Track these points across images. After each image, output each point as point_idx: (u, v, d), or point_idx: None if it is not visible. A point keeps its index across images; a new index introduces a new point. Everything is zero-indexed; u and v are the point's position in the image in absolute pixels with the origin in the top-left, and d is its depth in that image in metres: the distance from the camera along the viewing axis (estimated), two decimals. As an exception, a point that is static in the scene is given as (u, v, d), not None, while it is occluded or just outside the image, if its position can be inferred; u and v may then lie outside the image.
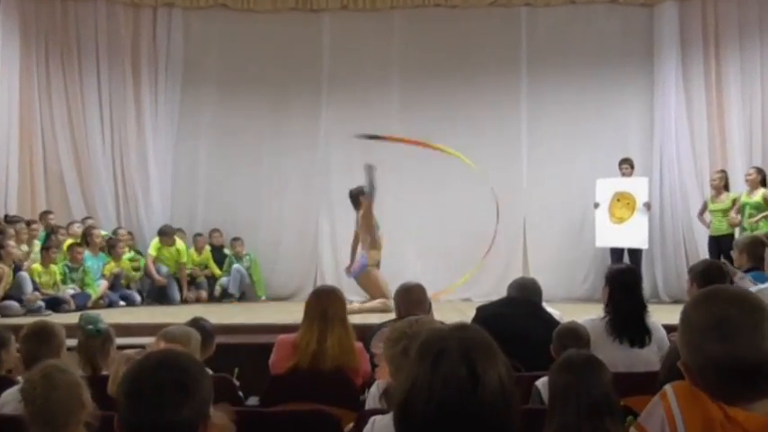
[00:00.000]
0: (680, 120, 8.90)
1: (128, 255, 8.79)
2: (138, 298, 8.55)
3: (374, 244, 7.50)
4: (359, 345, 3.42)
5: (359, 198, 7.57)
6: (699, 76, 8.91)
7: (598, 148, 9.08)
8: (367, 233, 7.49)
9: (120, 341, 3.54)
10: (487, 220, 9.05)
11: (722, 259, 6.91)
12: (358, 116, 9.34)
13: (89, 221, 8.73)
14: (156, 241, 8.82)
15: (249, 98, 9.62)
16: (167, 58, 9.59)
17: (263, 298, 9.20)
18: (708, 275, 3.76)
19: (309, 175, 9.61)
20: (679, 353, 1.57)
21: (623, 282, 3.62)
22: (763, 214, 7.51)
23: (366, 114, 9.39)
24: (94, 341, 3.31)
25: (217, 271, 9.26)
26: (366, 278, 7.47)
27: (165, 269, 8.78)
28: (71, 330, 3.37)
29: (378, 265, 7.54)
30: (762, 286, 4.17)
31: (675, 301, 8.38)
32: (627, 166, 8.65)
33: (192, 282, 9.16)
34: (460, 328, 1.37)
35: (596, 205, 8.61)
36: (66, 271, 7.89)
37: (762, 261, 4.45)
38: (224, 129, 9.65)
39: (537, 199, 9.25)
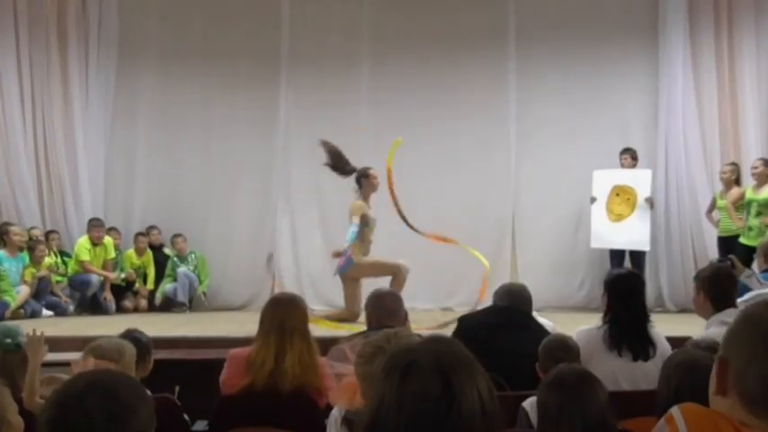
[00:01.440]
0: (688, 104, 8.99)
1: (52, 259, 8.66)
2: (69, 307, 8.45)
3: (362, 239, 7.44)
4: (323, 361, 3.41)
5: (362, 180, 7.50)
6: (710, 54, 9.01)
7: (595, 136, 9.17)
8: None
9: (44, 357, 3.49)
10: (469, 223, 9.08)
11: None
12: (322, 98, 9.34)
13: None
14: (84, 240, 8.69)
15: (196, 75, 9.56)
16: (100, 28, 9.48)
17: (201, 292, 9.15)
18: (716, 282, 3.82)
19: (266, 166, 9.56)
20: (681, 370, 1.58)
21: (624, 288, 3.66)
22: None
23: (331, 97, 9.38)
24: (13, 357, 3.26)
25: (151, 278, 9.18)
26: (350, 277, 7.41)
27: (95, 279, 8.65)
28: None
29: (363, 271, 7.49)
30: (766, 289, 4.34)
31: (682, 310, 8.51)
32: (628, 156, 8.74)
33: (129, 288, 9.08)
34: (433, 339, 1.38)
35: (593, 200, 8.69)
36: (-25, 275, 7.78)
37: None
38: (166, 111, 9.57)
39: (527, 194, 9.33)
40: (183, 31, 9.58)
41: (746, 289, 5.03)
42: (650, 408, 2.38)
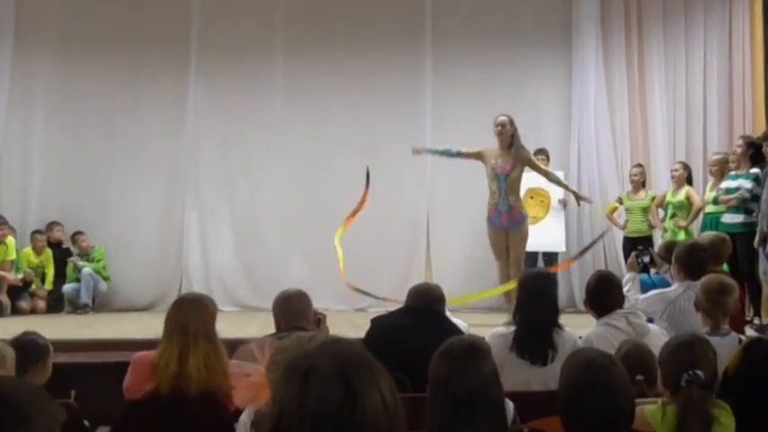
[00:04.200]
0: (600, 107, 9.33)
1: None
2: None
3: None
4: (232, 363, 3.40)
5: None
6: (620, 59, 9.40)
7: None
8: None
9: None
10: (384, 222, 9.14)
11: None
12: (233, 90, 9.28)
13: None
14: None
15: (99, 61, 9.32)
16: (-7, 11, 9.14)
17: (102, 286, 8.96)
18: (595, 291, 4.08)
19: (174, 161, 9.40)
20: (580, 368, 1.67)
21: (534, 288, 3.79)
22: (690, 219, 7.94)
23: (243, 88, 9.32)
24: None
25: (50, 279, 8.91)
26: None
27: None
28: None
29: None
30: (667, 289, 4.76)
31: (592, 310, 8.81)
32: (543, 157, 8.96)
33: (25, 288, 8.77)
34: (332, 342, 1.40)
35: (508, 204, 8.92)
36: None
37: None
38: (67, 100, 9.30)
39: (442, 193, 9.45)
40: (85, 14, 9.31)
41: (663, 282, 5.33)
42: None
